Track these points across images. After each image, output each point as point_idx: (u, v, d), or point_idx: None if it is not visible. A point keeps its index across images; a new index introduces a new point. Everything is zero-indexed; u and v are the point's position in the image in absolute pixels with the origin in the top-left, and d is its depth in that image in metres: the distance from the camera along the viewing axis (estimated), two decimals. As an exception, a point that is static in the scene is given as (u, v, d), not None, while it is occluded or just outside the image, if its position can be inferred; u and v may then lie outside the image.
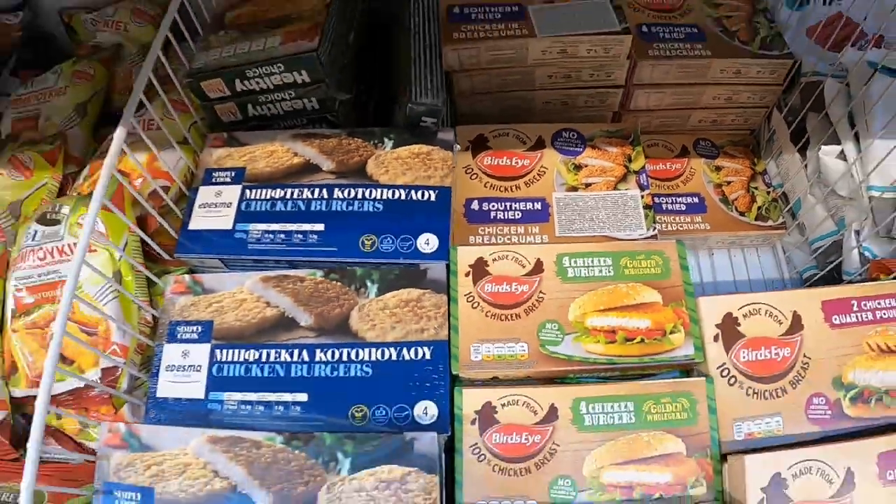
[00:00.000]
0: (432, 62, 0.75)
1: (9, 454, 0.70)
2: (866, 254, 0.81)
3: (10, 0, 0.90)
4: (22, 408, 0.71)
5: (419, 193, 0.67)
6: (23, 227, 0.76)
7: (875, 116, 0.79)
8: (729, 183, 0.93)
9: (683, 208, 0.89)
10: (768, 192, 0.93)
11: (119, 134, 0.61)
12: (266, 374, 0.61)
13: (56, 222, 0.73)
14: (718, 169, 0.94)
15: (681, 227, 0.88)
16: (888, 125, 0.75)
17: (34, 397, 0.65)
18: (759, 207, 0.91)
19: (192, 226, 0.68)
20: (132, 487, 0.55)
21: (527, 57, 0.83)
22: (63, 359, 0.68)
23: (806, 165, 0.88)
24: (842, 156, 0.83)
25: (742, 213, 0.90)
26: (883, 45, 0.92)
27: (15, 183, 0.82)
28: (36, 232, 0.73)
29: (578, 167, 0.79)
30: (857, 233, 0.82)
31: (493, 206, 0.76)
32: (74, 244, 0.71)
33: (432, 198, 0.67)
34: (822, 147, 0.84)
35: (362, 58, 0.83)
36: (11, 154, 0.84)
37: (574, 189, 0.77)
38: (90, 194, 0.71)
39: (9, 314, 0.71)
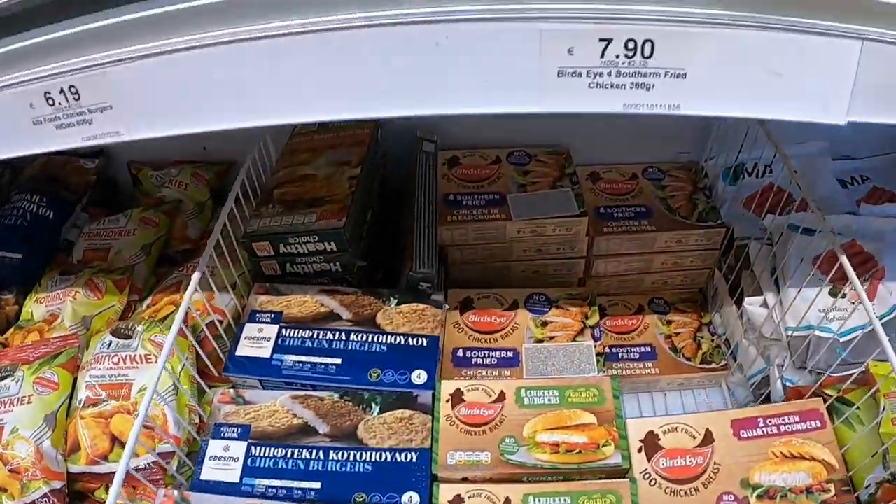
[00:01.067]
0: (429, 238, 1.04)
1: None
2: (787, 383, 1.02)
3: (90, 147, 1.21)
4: (74, 483, 0.91)
5: (415, 340, 0.94)
6: (96, 337, 1.02)
7: (790, 272, 1.03)
8: (678, 334, 1.19)
9: (637, 356, 1.15)
10: (713, 340, 1.18)
11: (195, 277, 0.88)
12: (289, 466, 0.83)
13: (129, 336, 0.98)
14: (669, 322, 1.20)
15: (633, 372, 1.13)
16: (797, 279, 0.98)
17: (89, 474, 0.91)
18: (703, 353, 1.16)
19: (239, 353, 0.94)
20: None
21: (505, 235, 1.11)
22: (122, 444, 0.89)
23: (741, 315, 1.12)
24: (764, 304, 1.07)
25: (688, 359, 1.15)
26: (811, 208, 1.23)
27: (88, 301, 1.10)
28: (111, 342, 0.98)
29: (545, 323, 1.05)
30: (780, 366, 1.03)
31: (475, 354, 1.02)
32: (145, 355, 0.96)
33: (424, 343, 0.94)
34: (748, 298, 1.09)
35: (376, 230, 1.13)
36: (88, 277, 1.12)
37: (540, 341, 1.03)
38: (163, 319, 1.01)
39: (78, 404, 0.94)
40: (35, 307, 1.12)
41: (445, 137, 1.24)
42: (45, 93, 0.51)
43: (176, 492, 0.82)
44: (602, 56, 0.52)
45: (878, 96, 0.54)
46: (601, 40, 0.50)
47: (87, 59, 0.50)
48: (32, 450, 0.89)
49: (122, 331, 0.99)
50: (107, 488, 0.92)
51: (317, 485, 0.82)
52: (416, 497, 0.81)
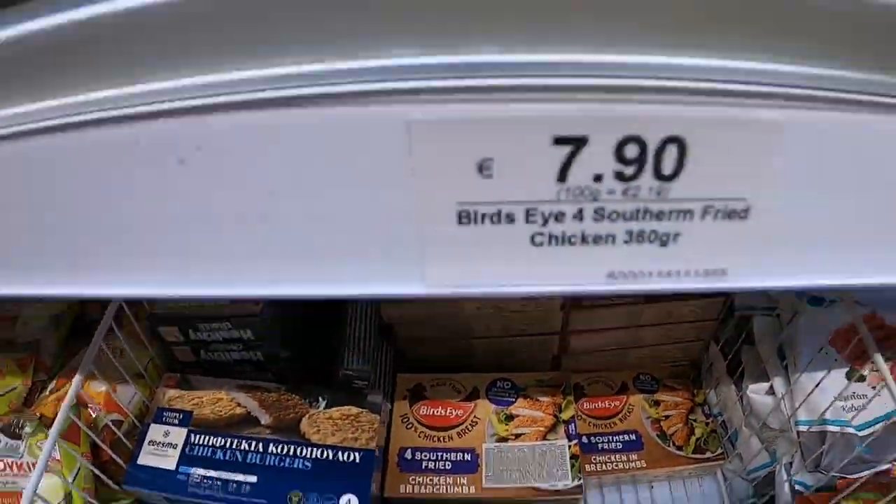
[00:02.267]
0: (368, 320, 0.94)
1: None
2: (798, 486, 0.91)
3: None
4: None
5: (345, 455, 0.83)
6: None
7: (801, 352, 0.93)
8: (667, 417, 1.09)
9: (620, 447, 1.03)
10: (707, 423, 1.07)
11: (77, 380, 0.78)
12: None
13: (18, 437, 0.87)
14: (657, 403, 1.09)
15: (616, 465, 1.02)
16: (811, 362, 0.88)
17: None
18: (697, 439, 1.05)
19: (141, 461, 0.83)
20: None
21: (460, 311, 0.96)
22: None
23: (741, 397, 1.02)
24: (771, 390, 0.96)
25: (679, 448, 1.04)
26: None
27: None
28: (1, 441, 0.87)
29: (510, 417, 0.94)
30: (789, 465, 0.93)
31: (425, 456, 0.91)
32: (32, 463, 0.84)
33: (357, 460, 0.82)
34: (750, 385, 0.98)
35: (308, 317, 1.00)
36: None
37: (504, 440, 0.92)
38: (52, 421, 0.92)
39: None
40: None
41: None
42: None
43: None
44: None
45: None
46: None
47: None
48: None
49: (13, 429, 0.87)
50: None
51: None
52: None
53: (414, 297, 0.41)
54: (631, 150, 0.37)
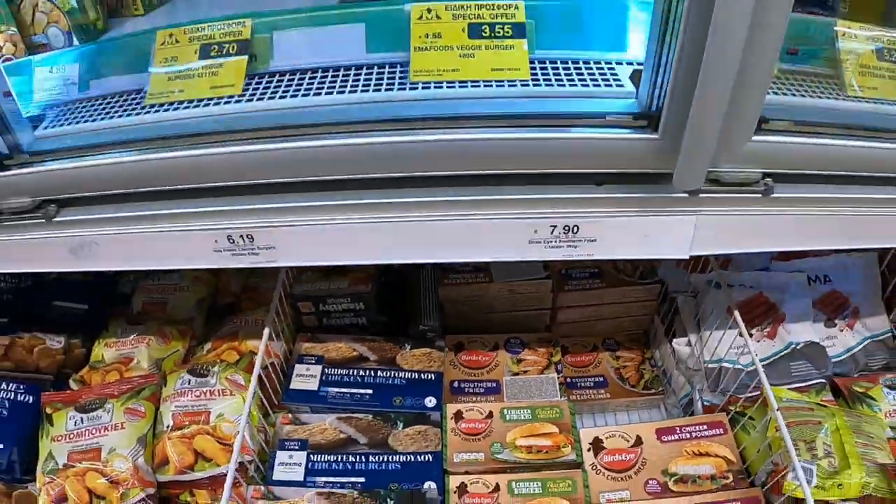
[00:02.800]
0: (432, 297, 1.52)
1: None
2: (706, 403, 1.47)
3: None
4: (160, 490, 1.32)
5: (425, 375, 1.41)
6: (172, 375, 1.40)
7: (708, 318, 1.51)
8: (625, 367, 1.65)
9: (592, 385, 1.59)
10: (653, 371, 1.63)
11: (266, 332, 1.33)
12: (340, 468, 1.27)
13: (205, 375, 1.38)
14: (618, 358, 1.67)
15: (589, 397, 1.57)
16: (715, 325, 1.46)
17: (175, 482, 1.31)
18: (645, 381, 1.61)
19: (293, 386, 1.38)
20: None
21: (488, 294, 1.57)
22: (207, 459, 1.30)
23: (673, 352, 1.60)
24: (689, 343, 1.54)
25: (633, 386, 1.61)
26: (728, 267, 1.66)
27: (159, 347, 1.53)
28: (189, 380, 1.38)
29: (519, 360, 1.53)
30: (700, 390, 1.49)
31: (466, 385, 1.49)
32: (221, 389, 1.36)
33: (432, 378, 1.40)
34: (676, 339, 1.57)
35: (395, 294, 1.60)
36: (159, 326, 1.56)
37: (516, 374, 1.50)
38: (236, 362, 1.43)
39: (166, 429, 1.33)
40: (105, 350, 1.52)
41: None
42: (228, 236, 0.98)
43: (263, 487, 1.31)
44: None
45: (709, 240, 1.06)
46: (552, 226, 0.98)
47: (263, 221, 0.98)
48: (130, 465, 1.27)
49: (199, 370, 1.41)
50: (190, 492, 1.35)
51: (361, 479, 1.26)
52: (433, 485, 1.25)
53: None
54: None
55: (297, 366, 1.43)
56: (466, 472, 1.30)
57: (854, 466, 1.24)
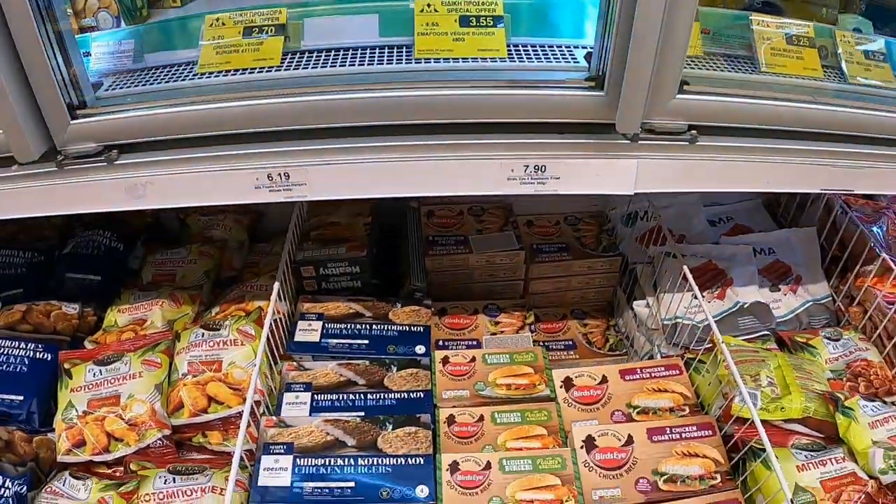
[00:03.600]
0: (420, 263, 1.81)
1: (173, 454, 1.53)
2: (663, 355, 1.77)
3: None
4: (174, 433, 1.53)
5: (415, 328, 1.70)
6: (185, 332, 1.64)
7: (665, 283, 1.79)
8: (592, 333, 1.93)
9: (563, 347, 1.87)
10: (617, 336, 1.92)
11: (276, 287, 1.57)
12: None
13: (217, 329, 1.63)
14: (586, 325, 1.95)
15: (560, 357, 1.84)
16: (667, 285, 1.78)
17: (189, 425, 1.53)
18: (610, 344, 1.89)
19: (297, 339, 1.62)
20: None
21: (468, 264, 1.87)
22: (219, 402, 1.53)
23: (634, 316, 1.90)
24: (647, 305, 1.82)
25: (599, 349, 1.90)
26: (681, 241, 2.01)
27: (171, 309, 1.79)
28: (203, 333, 1.63)
29: (497, 323, 1.80)
30: (658, 346, 1.77)
31: (450, 343, 1.75)
32: (233, 339, 1.62)
33: (421, 330, 1.70)
34: (635, 302, 1.87)
35: (386, 259, 1.93)
36: (171, 291, 1.81)
37: (494, 334, 1.79)
38: (248, 314, 1.71)
39: (181, 376, 1.54)
40: (119, 316, 1.77)
41: (425, 197, 2.05)
42: (268, 174, 1.27)
43: (274, 417, 1.64)
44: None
45: (649, 180, 1.40)
46: (525, 165, 1.29)
47: (298, 161, 1.28)
48: (148, 408, 1.48)
49: (211, 325, 1.67)
50: (203, 434, 1.57)
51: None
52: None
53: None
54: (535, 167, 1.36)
55: (299, 322, 1.70)
56: (454, 406, 1.58)
57: (795, 393, 1.54)
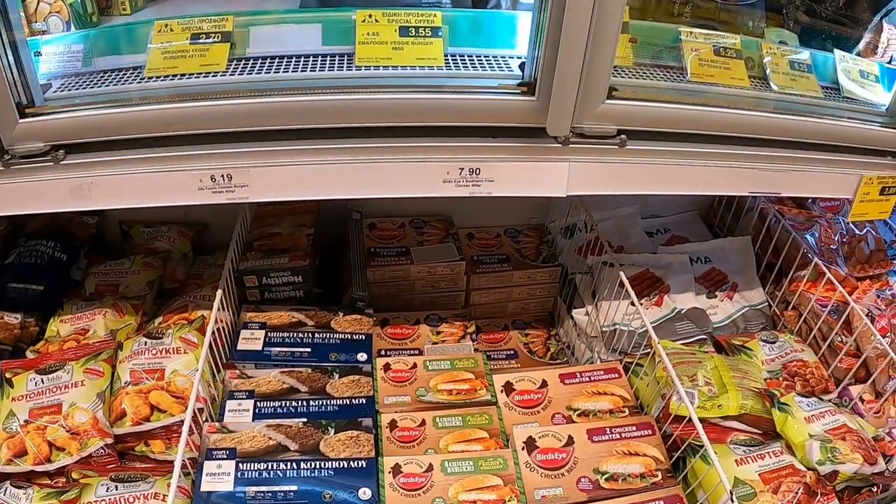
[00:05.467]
0: (362, 272, 1.87)
1: (115, 463, 1.53)
2: (603, 360, 1.83)
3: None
4: (118, 442, 1.52)
5: (357, 336, 1.74)
6: (128, 342, 1.64)
7: (603, 292, 1.86)
8: (533, 342, 2.02)
9: (504, 357, 1.92)
10: (558, 345, 1.98)
11: (219, 294, 1.60)
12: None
13: (159, 337, 1.65)
14: (527, 335, 2.02)
15: (502, 367, 1.89)
16: (610, 297, 1.85)
17: (131, 434, 1.53)
18: (551, 353, 1.95)
19: (240, 347, 1.65)
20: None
21: (410, 275, 1.92)
22: (161, 410, 1.53)
23: (574, 325, 1.95)
24: (587, 313, 1.89)
25: (541, 358, 1.95)
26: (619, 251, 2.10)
27: (114, 319, 1.79)
28: (145, 342, 1.64)
29: (439, 332, 1.84)
30: (598, 352, 1.84)
31: (392, 353, 1.79)
32: (176, 348, 1.63)
33: (363, 338, 1.73)
34: (575, 309, 1.94)
35: (324, 269, 2.00)
36: (114, 301, 1.81)
37: (435, 343, 1.83)
38: (191, 321, 1.74)
39: (124, 385, 1.54)
40: (61, 326, 1.77)
41: (367, 209, 2.11)
42: (211, 175, 1.30)
43: (217, 423, 1.65)
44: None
45: (581, 182, 1.49)
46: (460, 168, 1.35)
47: (241, 162, 1.31)
48: (90, 417, 1.47)
49: (154, 334, 1.68)
50: (145, 443, 1.57)
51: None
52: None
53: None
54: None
55: (242, 331, 1.73)
56: (396, 412, 1.63)
57: (731, 391, 1.63)
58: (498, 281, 2.06)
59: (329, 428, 1.54)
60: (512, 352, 2.02)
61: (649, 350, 1.72)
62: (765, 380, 1.76)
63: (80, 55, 1.52)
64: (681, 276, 2.03)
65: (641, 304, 1.81)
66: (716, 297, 2.05)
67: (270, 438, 1.52)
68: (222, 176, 1.34)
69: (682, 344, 1.88)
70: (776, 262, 2.06)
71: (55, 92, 1.44)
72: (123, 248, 2.15)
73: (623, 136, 1.42)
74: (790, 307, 1.99)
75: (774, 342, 1.90)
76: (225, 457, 1.49)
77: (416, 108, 1.35)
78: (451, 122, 1.37)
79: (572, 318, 1.99)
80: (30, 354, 1.77)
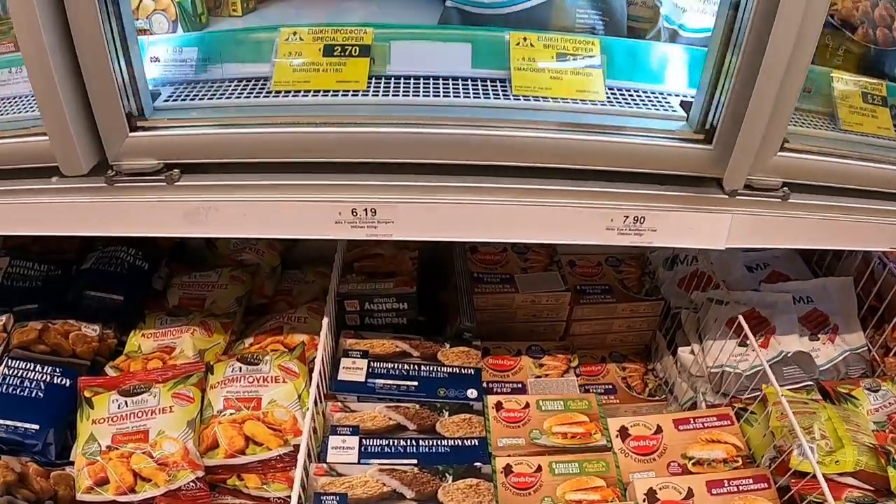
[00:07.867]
0: (470, 301, 1.81)
1: (206, 497, 1.47)
2: (709, 403, 1.79)
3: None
4: (209, 474, 1.46)
5: (465, 370, 1.67)
6: (220, 364, 1.58)
7: (710, 330, 1.82)
8: (631, 376, 1.99)
9: (603, 391, 1.87)
10: (656, 380, 1.94)
11: (325, 322, 1.59)
12: (393, 451, 1.45)
13: (255, 364, 1.58)
14: (625, 368, 1.97)
15: (600, 402, 2.00)
16: (712, 332, 1.81)
17: (223, 466, 1.47)
18: (650, 389, 1.90)
19: (341, 377, 1.60)
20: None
21: (513, 303, 1.88)
22: (258, 443, 1.47)
23: (676, 361, 1.90)
24: (692, 352, 1.85)
25: (639, 393, 1.91)
26: (722, 287, 1.99)
27: (202, 338, 1.73)
28: (240, 367, 1.58)
29: (541, 365, 1.80)
30: (703, 394, 1.80)
31: (495, 385, 1.76)
32: (274, 376, 1.57)
33: (472, 373, 1.67)
34: (681, 348, 1.90)
35: (430, 296, 1.91)
36: (202, 318, 1.74)
37: (538, 377, 1.80)
38: (292, 349, 1.68)
39: (216, 413, 1.48)
40: (143, 341, 1.70)
41: None
42: (353, 209, 1.23)
43: (325, 464, 1.56)
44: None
45: (740, 235, 1.42)
46: (625, 216, 1.40)
47: (387, 196, 1.25)
48: (180, 447, 1.42)
49: (249, 359, 1.63)
50: (239, 477, 1.53)
51: (414, 460, 1.43)
52: (484, 465, 1.42)
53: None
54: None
55: (343, 359, 1.68)
56: (510, 455, 1.58)
57: (847, 446, 1.58)
58: (601, 312, 2.01)
59: (447, 475, 1.49)
60: (610, 386, 1.97)
61: (757, 394, 1.70)
62: (872, 431, 1.71)
63: (192, 61, 1.41)
64: (785, 316, 1.97)
65: (747, 347, 1.77)
66: (818, 339, 1.99)
67: (384, 485, 1.46)
68: (365, 210, 1.27)
69: (790, 390, 1.83)
70: (879, 307, 2.01)
71: (165, 101, 1.33)
72: (205, 257, 2.08)
73: (786, 189, 1.37)
74: (892, 353, 1.94)
75: (878, 391, 1.85)
76: (336, 502, 1.43)
77: (581, 150, 1.28)
78: (617, 167, 1.29)
79: (676, 355, 1.92)
80: (109, 371, 1.70)
